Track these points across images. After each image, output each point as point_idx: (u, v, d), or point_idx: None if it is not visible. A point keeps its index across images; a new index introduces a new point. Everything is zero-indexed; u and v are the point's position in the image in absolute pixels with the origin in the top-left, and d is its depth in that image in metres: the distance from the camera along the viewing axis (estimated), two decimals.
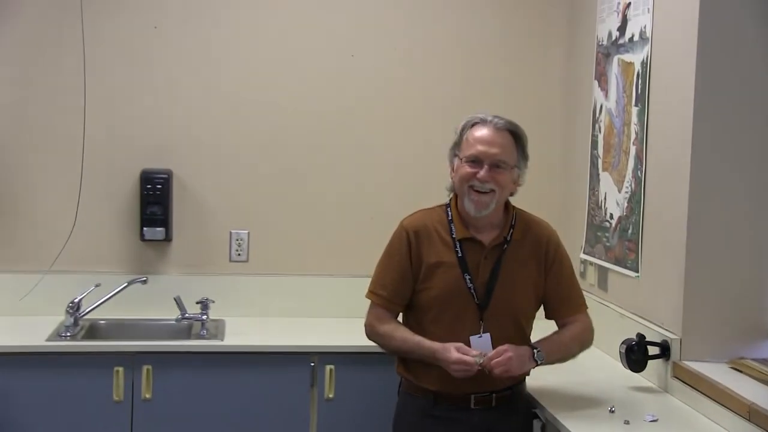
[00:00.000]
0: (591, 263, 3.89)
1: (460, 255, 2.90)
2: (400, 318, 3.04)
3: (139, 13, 4.11)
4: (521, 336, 2.93)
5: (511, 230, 2.94)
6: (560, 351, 2.95)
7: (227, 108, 4.18)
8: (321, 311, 4.10)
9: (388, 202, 4.14)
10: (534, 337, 3.00)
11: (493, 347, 2.83)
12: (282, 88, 4.20)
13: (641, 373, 3.19)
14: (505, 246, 2.92)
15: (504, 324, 2.89)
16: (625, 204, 3.55)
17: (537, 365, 2.89)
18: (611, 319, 3.57)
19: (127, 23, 4.11)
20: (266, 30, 4.19)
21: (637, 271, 3.41)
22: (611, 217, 3.68)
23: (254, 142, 4.20)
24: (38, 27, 4.05)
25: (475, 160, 2.85)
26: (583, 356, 3.65)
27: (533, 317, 3.02)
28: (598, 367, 3.47)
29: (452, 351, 2.79)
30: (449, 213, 2.95)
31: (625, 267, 3.52)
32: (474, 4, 4.29)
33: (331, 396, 3.67)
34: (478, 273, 2.89)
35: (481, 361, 2.77)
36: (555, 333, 3.00)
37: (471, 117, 2.93)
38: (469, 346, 2.83)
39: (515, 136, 2.90)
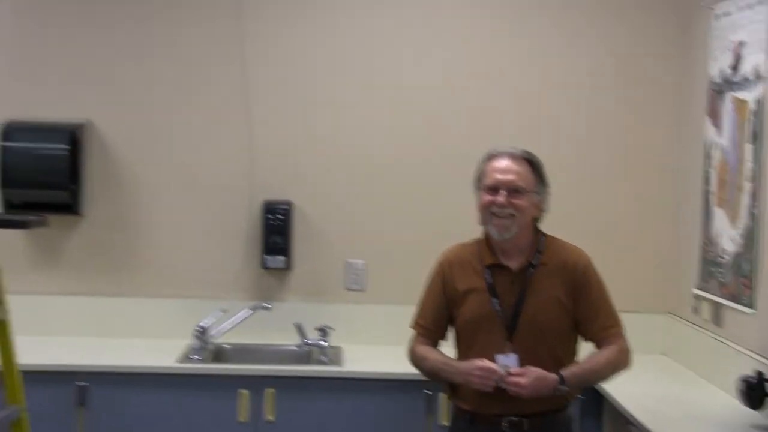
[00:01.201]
0: (704, 299, 3.92)
1: (489, 281, 3.04)
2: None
3: (261, 49, 4.34)
4: (554, 357, 2.99)
5: (538, 255, 3.05)
6: (590, 377, 3.06)
7: (345, 142, 4.37)
8: None
9: None
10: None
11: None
12: (398, 123, 4.37)
13: (760, 410, 3.19)
14: (532, 270, 3.03)
15: (533, 345, 2.98)
16: (740, 240, 3.57)
17: (556, 395, 2.94)
18: (726, 354, 3.59)
19: (249, 58, 4.33)
20: (382, 64, 4.37)
21: (753, 308, 3.44)
22: (725, 252, 3.71)
23: (371, 174, 4.37)
24: (167, 68, 4.34)
25: (494, 188, 3.01)
26: (698, 391, 3.68)
27: (571, 339, 3.07)
28: (713, 402, 3.50)
29: (475, 361, 2.93)
30: (481, 244, 3.11)
31: (741, 303, 3.54)
32: (588, 40, 4.39)
33: (446, 424, 3.75)
34: (506, 297, 3.02)
35: (503, 373, 2.87)
36: (588, 358, 3.05)
37: (489, 150, 3.10)
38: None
39: (531, 163, 3.05)
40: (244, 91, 4.33)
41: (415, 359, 3.18)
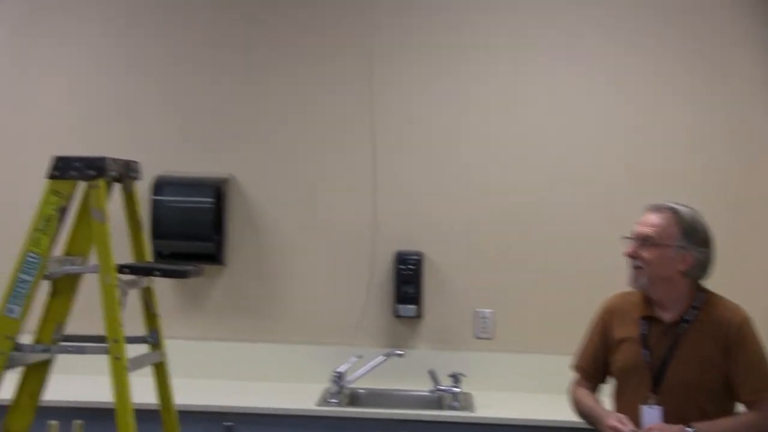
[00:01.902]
0: None
1: (643, 332, 3.12)
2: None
3: (392, 109, 4.57)
4: (703, 415, 2.98)
5: (694, 311, 3.07)
6: None
7: (473, 194, 4.53)
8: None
9: None
10: None
11: (666, 422, 2.97)
12: (523, 176, 4.51)
13: None
14: (685, 325, 3.07)
15: (680, 400, 3.01)
16: None
17: None
18: None
19: (380, 118, 4.56)
20: (508, 118, 4.53)
21: None
22: None
23: (498, 226, 4.52)
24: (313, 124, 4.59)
25: (632, 239, 3.11)
26: None
27: (724, 398, 3.04)
28: None
29: (612, 417, 3.02)
30: (641, 294, 3.17)
31: None
32: (704, 106, 4.47)
33: None
34: (657, 349, 3.08)
35: None
36: (727, 418, 3.03)
37: None
38: (639, 416, 3.01)
39: (677, 215, 3.07)
40: (375, 148, 4.55)
41: (573, 401, 3.31)
